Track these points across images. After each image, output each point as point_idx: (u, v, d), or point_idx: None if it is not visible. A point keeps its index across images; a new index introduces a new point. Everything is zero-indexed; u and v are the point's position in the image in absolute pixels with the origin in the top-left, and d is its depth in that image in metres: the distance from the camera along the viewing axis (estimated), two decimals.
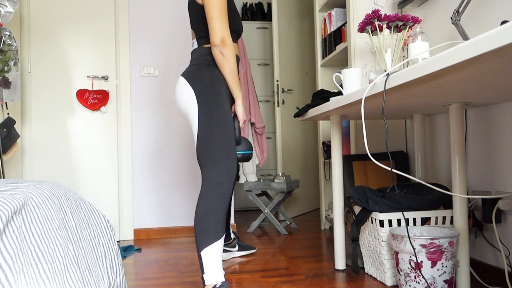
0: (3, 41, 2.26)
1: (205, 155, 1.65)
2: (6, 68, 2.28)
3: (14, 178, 2.83)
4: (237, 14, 1.88)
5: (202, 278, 1.57)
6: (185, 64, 3.07)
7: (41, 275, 0.83)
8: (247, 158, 1.94)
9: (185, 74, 1.78)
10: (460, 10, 1.67)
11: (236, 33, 1.87)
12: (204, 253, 1.57)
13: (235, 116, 1.81)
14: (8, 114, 2.46)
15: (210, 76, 1.73)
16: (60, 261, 0.92)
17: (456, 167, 1.55)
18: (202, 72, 1.75)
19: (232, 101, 1.86)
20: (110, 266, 1.22)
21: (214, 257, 1.57)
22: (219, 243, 1.59)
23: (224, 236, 1.62)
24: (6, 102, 2.45)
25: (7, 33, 2.28)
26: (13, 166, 2.81)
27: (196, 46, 1.85)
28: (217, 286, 1.53)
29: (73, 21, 2.94)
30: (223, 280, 1.57)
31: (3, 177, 2.28)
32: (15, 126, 2.43)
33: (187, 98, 1.74)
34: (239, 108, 1.78)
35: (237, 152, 1.91)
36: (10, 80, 2.32)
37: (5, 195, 0.86)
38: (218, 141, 1.65)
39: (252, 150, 1.98)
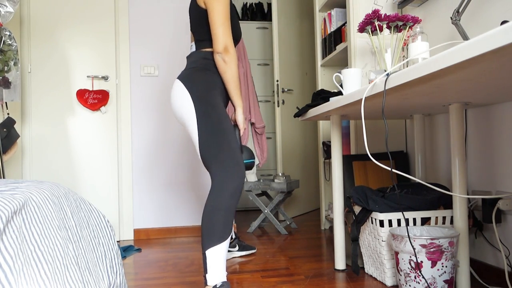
0: (3, 41, 2.26)
1: (210, 155, 1.64)
2: (6, 68, 2.28)
3: (14, 178, 2.83)
4: (236, 20, 1.88)
5: (205, 277, 1.57)
6: (185, 64, 3.07)
7: (41, 275, 0.83)
8: (249, 167, 1.95)
9: (182, 77, 1.78)
10: (460, 10, 1.67)
11: (235, 39, 1.89)
12: (209, 253, 1.56)
13: (236, 124, 1.81)
14: (8, 114, 2.46)
15: (206, 80, 1.75)
16: (60, 261, 0.92)
17: (456, 167, 1.55)
18: (199, 75, 1.75)
19: (227, 104, 1.87)
20: (110, 266, 1.22)
21: (218, 258, 1.56)
22: (225, 244, 1.58)
23: (230, 236, 1.61)
24: (6, 102, 2.45)
25: (7, 33, 2.28)
26: (13, 166, 2.81)
27: (194, 49, 1.86)
28: (217, 286, 1.53)
29: (73, 21, 2.94)
30: (224, 280, 1.57)
31: (3, 177, 2.28)
32: (15, 126, 2.43)
33: (182, 102, 1.73)
34: (240, 117, 1.78)
35: None
36: (10, 80, 2.32)
37: (5, 195, 0.86)
38: (221, 139, 1.64)
39: (254, 159, 1.98)
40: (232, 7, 1.86)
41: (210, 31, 1.79)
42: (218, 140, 1.64)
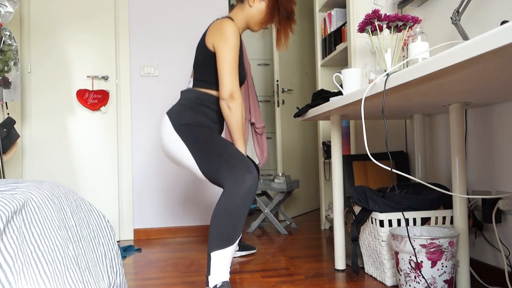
0: (3, 41, 2.26)
1: (215, 171, 1.62)
2: (6, 68, 2.28)
3: (14, 178, 2.83)
4: (242, 61, 1.90)
5: (207, 278, 1.56)
6: (185, 64, 3.07)
7: (41, 275, 0.83)
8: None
9: (170, 112, 1.80)
10: (460, 10, 1.67)
11: (240, 81, 1.90)
12: (214, 255, 1.54)
13: None
14: (8, 114, 2.46)
15: (194, 117, 1.77)
16: (60, 261, 0.92)
17: (456, 167, 1.55)
18: (187, 112, 1.78)
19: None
20: (110, 266, 1.22)
21: (223, 261, 1.55)
22: (231, 248, 1.56)
23: (238, 239, 1.59)
24: (6, 102, 2.45)
25: (7, 33, 2.28)
26: (13, 166, 2.81)
27: (191, 86, 1.87)
28: (217, 286, 1.53)
29: (73, 21, 2.94)
30: (225, 279, 1.56)
31: (3, 177, 2.28)
32: (15, 126, 2.43)
33: (169, 135, 1.75)
34: None
35: None
36: (10, 80, 2.32)
37: (5, 195, 0.86)
38: (219, 151, 1.64)
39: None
40: (241, 47, 1.85)
41: (213, 74, 1.81)
42: (216, 153, 1.63)
